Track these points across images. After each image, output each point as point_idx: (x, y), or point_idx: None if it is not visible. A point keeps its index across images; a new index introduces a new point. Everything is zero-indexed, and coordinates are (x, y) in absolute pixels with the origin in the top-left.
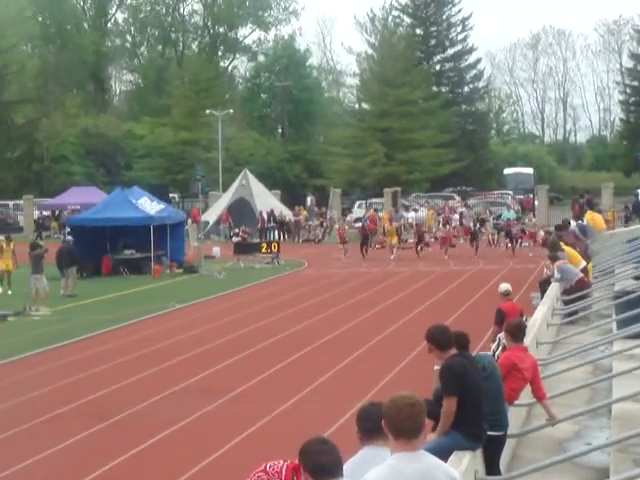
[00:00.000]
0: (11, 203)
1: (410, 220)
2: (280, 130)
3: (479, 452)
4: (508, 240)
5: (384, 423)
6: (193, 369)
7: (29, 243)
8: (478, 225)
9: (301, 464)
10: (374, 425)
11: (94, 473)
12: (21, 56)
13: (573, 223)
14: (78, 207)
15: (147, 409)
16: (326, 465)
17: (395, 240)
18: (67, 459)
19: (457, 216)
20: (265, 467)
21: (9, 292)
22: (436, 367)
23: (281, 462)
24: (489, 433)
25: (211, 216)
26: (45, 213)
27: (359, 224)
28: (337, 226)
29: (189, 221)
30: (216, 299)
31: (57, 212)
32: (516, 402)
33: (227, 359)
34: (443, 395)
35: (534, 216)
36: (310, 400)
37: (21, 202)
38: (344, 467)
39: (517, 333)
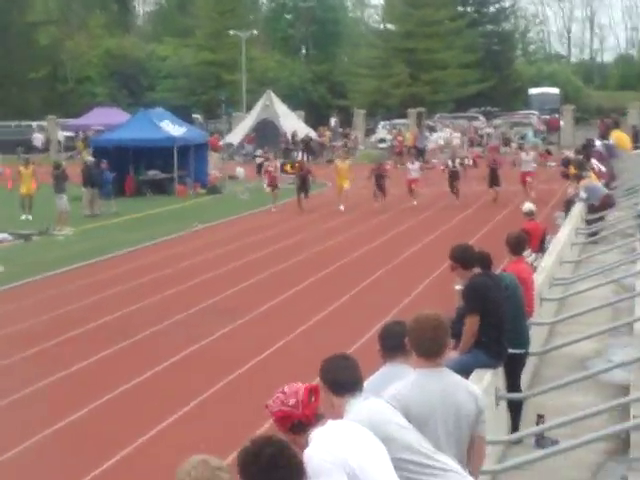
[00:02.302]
0: (35, 124)
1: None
2: (304, 51)
3: (500, 370)
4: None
5: (408, 340)
6: (215, 289)
7: (52, 163)
8: (458, 161)
9: (321, 379)
10: (396, 343)
11: (117, 390)
12: None
13: (599, 143)
14: (101, 128)
15: (169, 328)
16: (346, 381)
17: (346, 184)
18: (89, 376)
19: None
20: (283, 389)
21: (29, 217)
22: (457, 287)
23: (299, 384)
24: (510, 351)
25: (235, 137)
26: (68, 134)
27: (383, 145)
28: (267, 164)
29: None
30: (239, 219)
31: (81, 133)
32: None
33: (248, 279)
34: (465, 313)
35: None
36: (331, 320)
37: (45, 123)
38: (365, 384)
39: (517, 246)
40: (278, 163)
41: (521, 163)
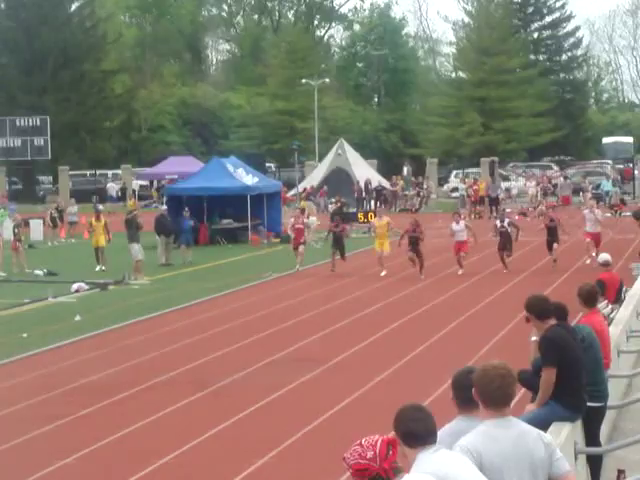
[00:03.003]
0: (110, 173)
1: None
2: (376, 99)
3: (579, 423)
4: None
5: (474, 391)
6: (291, 338)
7: (126, 213)
8: (508, 222)
9: (394, 430)
10: (470, 393)
11: (194, 441)
12: (119, 26)
13: None
14: (176, 176)
15: (246, 378)
16: (419, 432)
17: (385, 247)
18: (167, 427)
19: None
20: (361, 441)
21: (103, 268)
22: (533, 338)
23: (377, 436)
24: (589, 404)
25: (308, 185)
26: (143, 182)
27: (456, 194)
28: (292, 220)
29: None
30: (313, 269)
31: (155, 182)
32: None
33: (324, 329)
34: (542, 366)
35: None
36: (408, 370)
37: (119, 172)
38: (440, 433)
39: (589, 298)
40: (305, 219)
41: (585, 222)
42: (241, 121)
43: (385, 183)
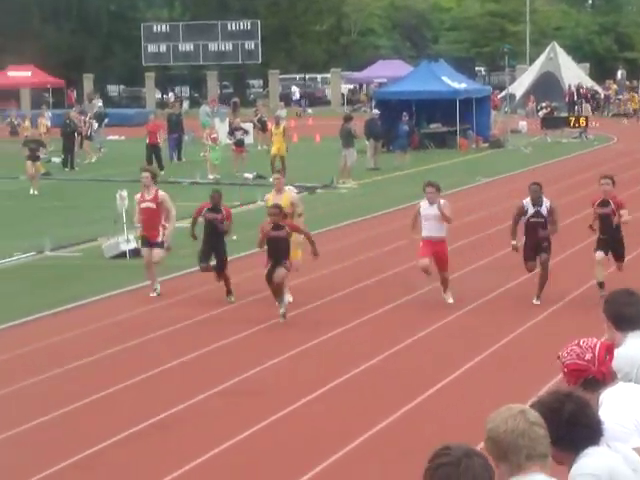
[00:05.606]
0: (319, 77)
1: None
2: (590, 1)
3: None
4: None
5: (604, 312)
6: (497, 244)
7: (343, 116)
8: (548, 207)
9: (605, 312)
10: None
11: (401, 344)
12: None
13: None
14: (384, 80)
15: (457, 281)
16: (631, 316)
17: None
18: (377, 329)
19: None
20: (579, 342)
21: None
22: None
23: (595, 339)
24: None
25: (518, 90)
26: (351, 86)
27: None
28: (138, 197)
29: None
30: (522, 174)
31: (364, 85)
32: None
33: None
34: None
35: None
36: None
37: (328, 75)
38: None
39: None
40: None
41: None
42: (451, 24)
43: (597, 87)
